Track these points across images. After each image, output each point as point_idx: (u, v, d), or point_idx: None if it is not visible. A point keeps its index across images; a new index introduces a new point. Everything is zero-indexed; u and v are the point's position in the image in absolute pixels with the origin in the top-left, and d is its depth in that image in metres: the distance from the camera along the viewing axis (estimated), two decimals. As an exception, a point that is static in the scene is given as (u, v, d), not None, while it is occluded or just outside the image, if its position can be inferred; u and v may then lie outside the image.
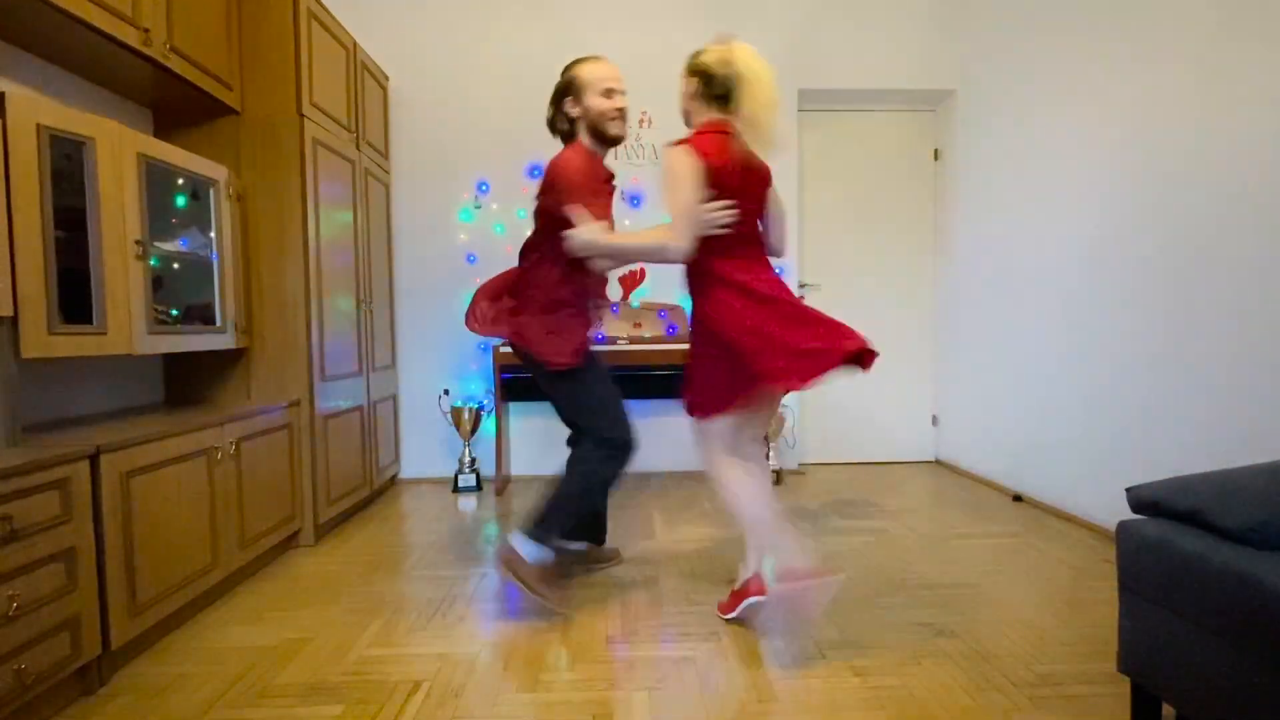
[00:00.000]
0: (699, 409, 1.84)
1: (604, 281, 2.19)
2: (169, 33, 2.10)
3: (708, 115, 1.79)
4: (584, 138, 1.99)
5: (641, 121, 3.66)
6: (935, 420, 3.99)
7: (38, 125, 1.63)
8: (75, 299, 1.75)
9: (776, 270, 1.89)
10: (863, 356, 1.66)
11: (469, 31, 3.63)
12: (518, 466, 3.75)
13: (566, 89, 1.99)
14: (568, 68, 2.01)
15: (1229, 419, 2.13)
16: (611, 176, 2.07)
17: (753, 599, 1.85)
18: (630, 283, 3.66)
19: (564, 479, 2.00)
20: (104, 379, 2.26)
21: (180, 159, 2.15)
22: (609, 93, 1.95)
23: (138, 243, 1.93)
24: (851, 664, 1.68)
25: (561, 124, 2.02)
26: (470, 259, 3.67)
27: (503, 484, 3.46)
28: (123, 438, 1.70)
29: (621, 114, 1.98)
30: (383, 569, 2.38)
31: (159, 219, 2.06)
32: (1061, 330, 2.90)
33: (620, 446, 1.99)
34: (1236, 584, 1.09)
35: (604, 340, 3.41)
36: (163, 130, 2.51)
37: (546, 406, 3.71)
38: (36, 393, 1.97)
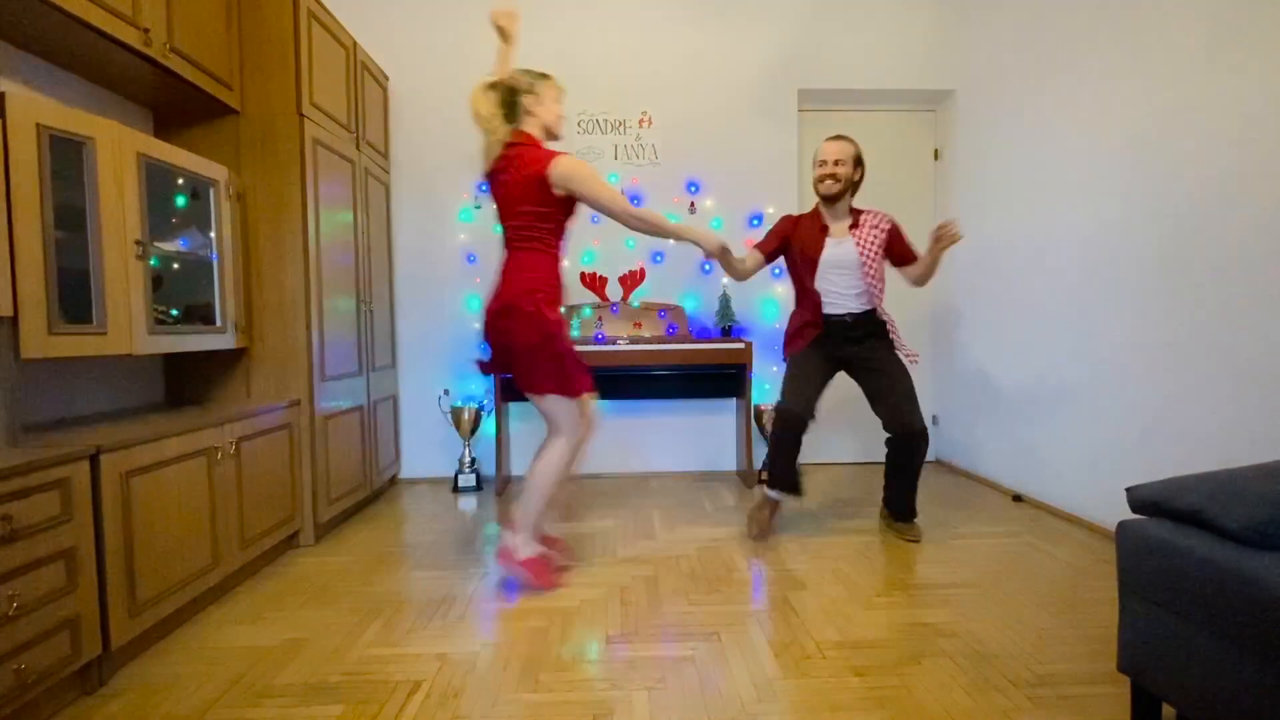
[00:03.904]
0: None
1: None
2: (169, 33, 2.11)
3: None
4: None
5: (642, 122, 3.66)
6: (935, 420, 3.99)
7: (38, 125, 1.63)
8: (75, 299, 1.75)
9: None
10: None
11: (469, 32, 3.62)
12: (518, 466, 3.74)
13: None
14: None
15: (1230, 418, 2.13)
16: None
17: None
18: (630, 283, 3.66)
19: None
20: (104, 379, 2.26)
21: (180, 159, 2.15)
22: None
23: (138, 243, 1.93)
24: (851, 664, 1.68)
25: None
26: (470, 259, 3.67)
27: (503, 484, 3.46)
28: (123, 438, 1.69)
29: None
30: (383, 569, 2.38)
31: (159, 219, 2.06)
32: (1061, 330, 2.90)
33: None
34: (1236, 584, 1.09)
35: (604, 340, 3.41)
36: (163, 130, 2.52)
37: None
38: (36, 393, 1.97)
